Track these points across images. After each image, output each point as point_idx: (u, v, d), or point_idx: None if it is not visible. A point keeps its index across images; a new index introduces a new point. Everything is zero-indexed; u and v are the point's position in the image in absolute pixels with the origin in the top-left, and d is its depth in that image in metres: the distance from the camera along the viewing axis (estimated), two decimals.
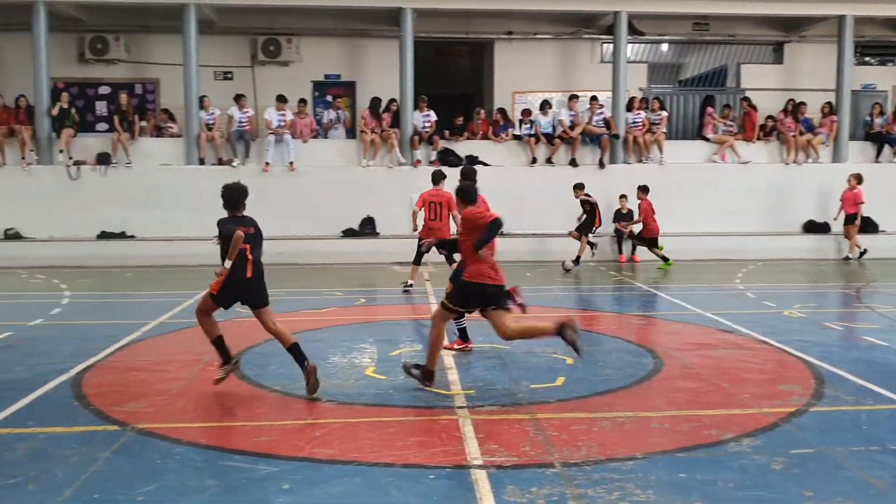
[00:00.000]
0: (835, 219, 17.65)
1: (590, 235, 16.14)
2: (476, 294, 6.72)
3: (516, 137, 18.22)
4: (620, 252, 17.29)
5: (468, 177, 8.71)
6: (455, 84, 21.84)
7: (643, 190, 16.62)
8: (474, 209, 6.97)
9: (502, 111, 18.59)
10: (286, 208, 16.79)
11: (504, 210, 17.52)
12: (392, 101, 17.91)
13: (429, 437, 5.65)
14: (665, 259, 15.99)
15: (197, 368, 7.68)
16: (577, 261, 15.76)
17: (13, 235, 16.47)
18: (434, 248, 9.24)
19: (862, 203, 17.12)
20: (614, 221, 17.25)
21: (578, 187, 16.21)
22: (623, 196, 17.13)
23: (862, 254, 17.16)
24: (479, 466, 5.05)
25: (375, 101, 17.85)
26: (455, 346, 8.29)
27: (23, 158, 16.72)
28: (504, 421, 6.01)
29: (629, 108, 18.48)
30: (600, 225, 16.36)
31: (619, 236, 17.26)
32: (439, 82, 20.14)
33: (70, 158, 16.81)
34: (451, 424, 5.91)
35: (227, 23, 18.48)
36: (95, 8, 17.76)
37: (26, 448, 5.40)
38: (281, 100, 17.43)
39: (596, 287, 14.32)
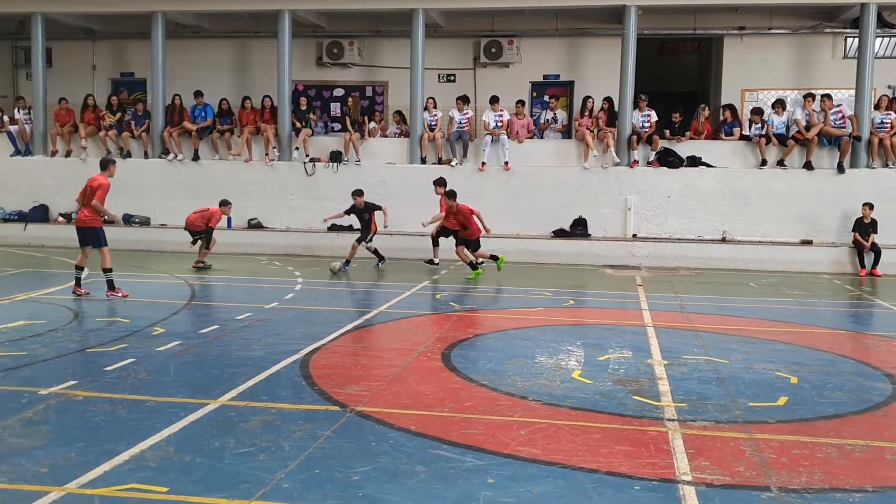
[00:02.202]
0: None
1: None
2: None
3: (744, 137, 17.30)
4: (862, 266, 15.85)
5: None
6: (678, 82, 21.12)
7: None
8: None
9: (731, 109, 17.70)
10: (499, 207, 17.09)
11: (727, 214, 16.81)
12: (606, 99, 17.67)
13: (635, 446, 5.53)
14: None
15: (412, 357, 8.01)
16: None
17: (255, 225, 18.06)
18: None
19: None
20: (854, 231, 15.88)
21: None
22: (867, 205, 15.73)
23: None
24: (689, 482, 4.87)
25: (586, 100, 17.72)
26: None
27: (266, 155, 18.28)
28: (717, 438, 5.75)
29: (876, 107, 16.94)
30: (375, 231, 15.56)
31: (859, 248, 15.85)
32: (661, 80, 19.58)
33: (307, 156, 18.16)
34: (659, 436, 5.75)
35: (452, 26, 19.09)
36: (334, 15, 19.02)
37: (259, 421, 5.91)
38: (495, 100, 17.75)
39: (830, 302, 13.24)
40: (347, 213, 15.33)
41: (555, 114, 18.27)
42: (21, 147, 19.26)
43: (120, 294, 11.27)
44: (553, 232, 17.22)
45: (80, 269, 11.56)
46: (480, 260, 14.50)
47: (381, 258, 15.46)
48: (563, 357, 8.18)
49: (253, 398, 6.49)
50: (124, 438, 5.42)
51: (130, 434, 5.52)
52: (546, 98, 19.21)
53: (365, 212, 15.14)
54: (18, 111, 19.39)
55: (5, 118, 19.65)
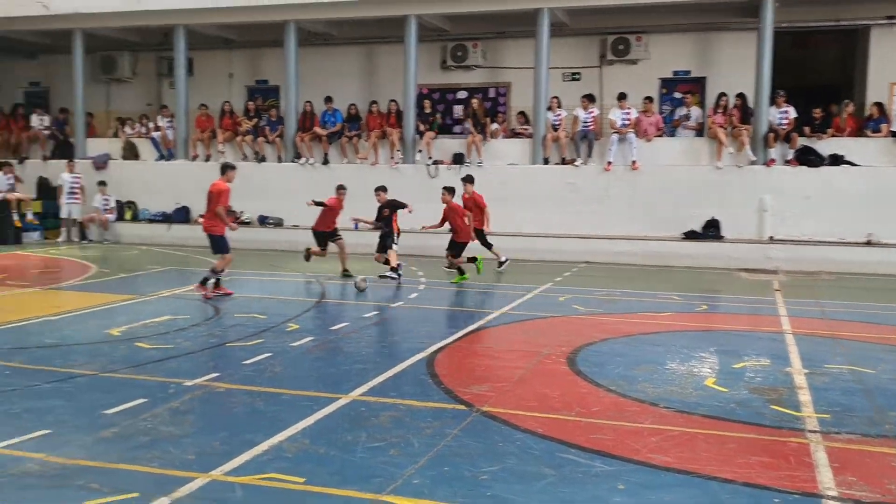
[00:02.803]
0: None
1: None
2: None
3: (893, 134, 16.23)
4: None
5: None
6: (816, 77, 20.06)
7: None
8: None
9: (879, 105, 16.67)
10: (625, 208, 16.78)
11: (872, 216, 15.82)
12: (738, 95, 17.01)
13: (774, 458, 5.29)
14: None
15: (536, 360, 7.97)
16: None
17: None
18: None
19: None
20: None
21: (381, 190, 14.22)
22: None
23: None
24: (833, 498, 4.61)
25: (720, 97, 17.12)
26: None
27: (391, 157, 18.65)
28: (865, 452, 5.42)
29: None
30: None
31: None
32: (798, 75, 18.65)
33: (430, 158, 18.40)
34: (800, 448, 5.48)
35: (578, 24, 18.87)
36: (458, 18, 19.18)
37: (389, 417, 6.04)
38: (622, 97, 17.42)
39: None
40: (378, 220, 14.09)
41: (689, 111, 17.73)
42: (164, 152, 20.44)
43: (216, 293, 11.43)
44: (683, 234, 16.72)
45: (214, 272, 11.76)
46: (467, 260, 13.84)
47: (395, 270, 13.50)
48: (696, 364, 7.93)
49: (382, 394, 6.63)
50: (263, 429, 5.66)
51: (268, 425, 5.76)
52: (676, 95, 18.68)
53: (385, 208, 13.92)
54: (162, 118, 20.59)
55: (150, 125, 20.92)
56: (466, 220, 13.77)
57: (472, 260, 14.02)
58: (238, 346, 8.47)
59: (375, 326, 9.62)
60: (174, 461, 5.06)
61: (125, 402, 6.25)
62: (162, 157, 20.45)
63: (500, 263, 14.73)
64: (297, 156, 19.17)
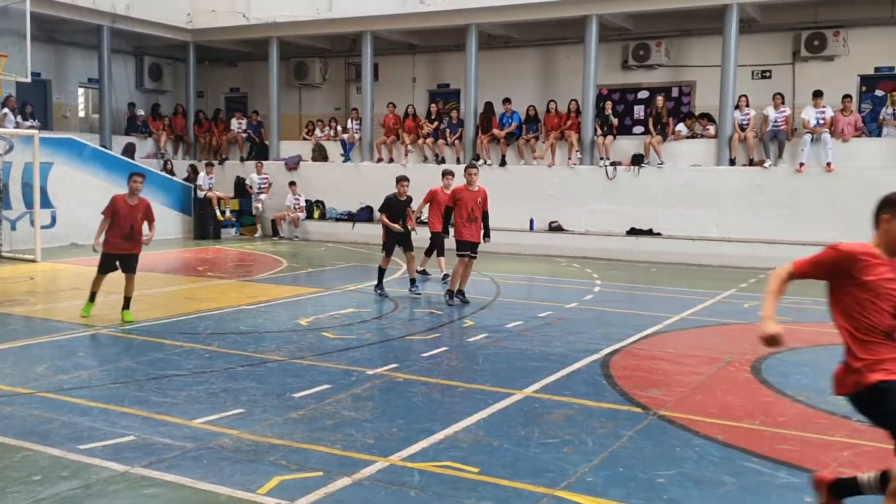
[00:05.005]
0: None
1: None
2: None
3: None
4: None
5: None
6: None
7: None
8: None
9: None
10: (818, 212, 15.75)
11: None
12: None
13: None
14: None
15: (718, 366, 7.68)
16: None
17: (556, 227, 18.41)
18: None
19: None
20: None
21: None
22: None
23: None
24: None
25: None
26: None
27: (569, 158, 18.56)
28: None
29: None
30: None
31: None
32: None
33: (608, 159, 18.14)
34: None
35: (770, 20, 17.94)
36: (642, 16, 18.78)
37: (562, 414, 6.04)
38: (817, 95, 16.36)
39: None
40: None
41: (894, 109, 16.39)
42: (349, 154, 21.45)
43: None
44: None
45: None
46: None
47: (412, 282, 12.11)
48: None
49: (556, 392, 6.65)
50: (439, 419, 5.84)
51: (444, 416, 5.93)
52: (878, 92, 17.31)
53: (407, 204, 12.06)
54: (350, 121, 21.61)
55: (338, 128, 22.01)
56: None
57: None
58: (417, 339, 8.77)
59: (549, 326, 9.63)
60: (356, 444, 5.33)
61: (312, 387, 6.65)
62: (348, 159, 21.47)
63: (445, 276, 12.84)
64: (476, 157, 19.50)
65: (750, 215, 16.44)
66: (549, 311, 10.53)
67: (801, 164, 16.17)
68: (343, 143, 21.54)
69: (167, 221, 19.41)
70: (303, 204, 21.04)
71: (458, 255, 11.05)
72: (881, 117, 16.52)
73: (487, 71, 20.19)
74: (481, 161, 19.37)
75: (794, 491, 4.64)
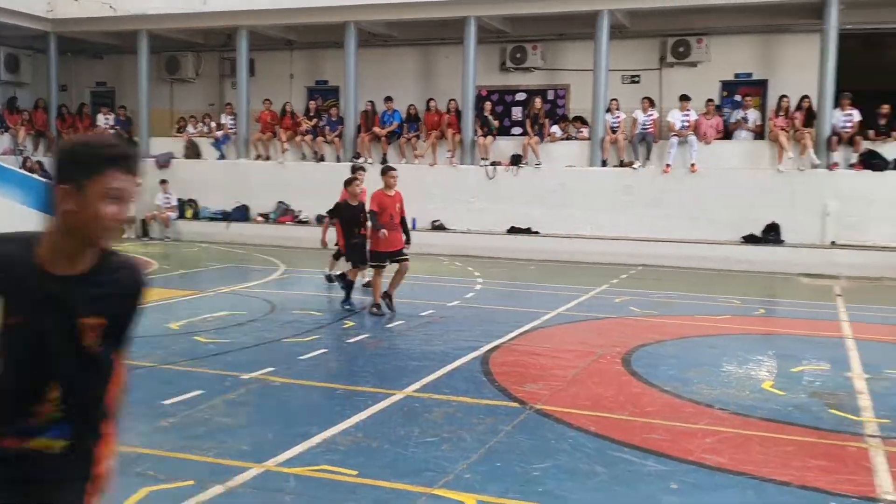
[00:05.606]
0: None
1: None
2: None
3: None
4: None
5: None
6: (886, 79, 19.47)
7: None
8: None
9: None
10: (684, 211, 16.53)
11: None
12: (804, 98, 16.62)
13: (832, 461, 5.19)
14: None
15: (591, 359, 7.93)
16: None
17: (438, 226, 18.53)
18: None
19: None
20: None
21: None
22: None
23: None
24: (891, 502, 4.51)
25: (781, 99, 16.76)
26: None
27: (451, 157, 18.70)
28: None
29: None
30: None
31: None
32: (865, 77, 18.12)
33: (487, 160, 18.41)
34: (859, 453, 5.35)
35: (638, 26, 18.67)
36: (519, 19, 19.16)
37: (442, 413, 6.08)
38: (684, 99, 17.19)
39: None
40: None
41: (746, 114, 17.41)
42: (224, 151, 20.86)
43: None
44: (743, 237, 16.40)
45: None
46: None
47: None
48: (753, 367, 7.80)
49: (436, 391, 6.68)
50: (317, 422, 5.75)
51: (323, 419, 5.85)
52: (737, 98, 18.35)
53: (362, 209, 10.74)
54: (225, 116, 21.02)
55: (212, 124, 21.35)
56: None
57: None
58: (294, 341, 8.61)
59: (431, 325, 9.68)
60: (229, 451, 5.18)
61: (183, 394, 6.41)
62: (222, 156, 20.87)
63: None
64: (357, 155, 19.37)
65: (620, 214, 17.07)
66: (431, 310, 10.58)
67: (668, 165, 16.93)
68: (215, 142, 20.91)
69: (26, 222, 18.27)
70: (174, 203, 20.31)
71: (372, 265, 10.25)
72: (733, 122, 17.49)
73: (367, 68, 20.09)
74: (362, 159, 19.25)
75: (661, 479, 4.84)
